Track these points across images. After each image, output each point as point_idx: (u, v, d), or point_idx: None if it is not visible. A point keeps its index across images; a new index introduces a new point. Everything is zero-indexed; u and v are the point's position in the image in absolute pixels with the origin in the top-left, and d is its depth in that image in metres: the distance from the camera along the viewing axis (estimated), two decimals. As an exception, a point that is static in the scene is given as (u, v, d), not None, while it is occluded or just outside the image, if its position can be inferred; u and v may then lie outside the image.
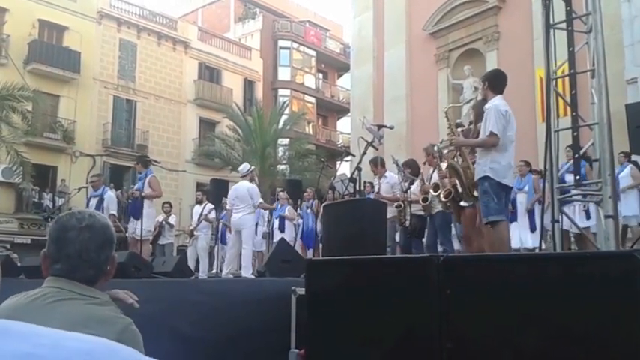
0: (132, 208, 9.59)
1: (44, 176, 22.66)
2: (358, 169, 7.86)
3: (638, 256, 2.26)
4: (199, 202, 12.14)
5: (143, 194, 9.07)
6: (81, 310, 1.56)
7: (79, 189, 11.92)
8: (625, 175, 9.02)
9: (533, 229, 9.28)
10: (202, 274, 10.38)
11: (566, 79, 5.83)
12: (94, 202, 9.57)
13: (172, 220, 12.28)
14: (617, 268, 2.38)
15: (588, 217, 8.18)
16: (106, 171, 23.41)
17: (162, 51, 27.41)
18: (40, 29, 23.62)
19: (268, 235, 12.00)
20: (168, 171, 20.59)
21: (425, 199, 7.87)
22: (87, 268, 1.64)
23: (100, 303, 1.63)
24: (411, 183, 8.53)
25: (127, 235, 9.70)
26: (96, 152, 24.17)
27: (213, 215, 11.54)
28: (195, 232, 11.36)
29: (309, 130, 32.23)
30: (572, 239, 8.57)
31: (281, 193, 12.58)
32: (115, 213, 9.56)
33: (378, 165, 9.20)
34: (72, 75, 23.69)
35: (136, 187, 9.63)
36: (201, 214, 11.51)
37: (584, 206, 8.24)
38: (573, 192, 6.26)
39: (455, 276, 2.77)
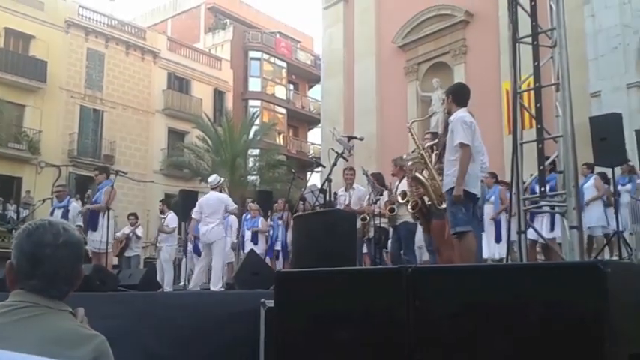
0: (89, 220, 9.17)
1: (8, 187, 22.25)
2: (329, 180, 7.87)
3: (601, 267, 2.31)
4: (162, 213, 12.00)
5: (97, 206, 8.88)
6: (57, 327, 1.52)
7: (44, 200, 11.64)
8: (589, 186, 9.19)
9: (498, 239, 9.38)
10: (167, 287, 10.04)
11: (532, 92, 5.93)
12: (58, 212, 9.32)
13: (139, 231, 12.09)
14: (582, 278, 2.42)
15: (553, 228, 8.25)
16: (72, 182, 22.92)
17: (131, 60, 27.09)
18: (6, 38, 23.18)
19: (237, 247, 11.87)
20: (135, 182, 20.30)
21: (392, 210, 7.91)
22: (63, 284, 1.61)
23: (71, 318, 1.59)
24: (380, 194, 8.57)
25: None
26: (62, 163, 23.68)
27: (173, 225, 11.37)
28: (157, 244, 11.16)
29: (279, 140, 32.18)
30: (539, 249, 8.69)
31: (251, 204, 12.46)
32: (81, 224, 9.34)
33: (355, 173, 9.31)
34: (38, 84, 23.27)
35: (94, 198, 9.31)
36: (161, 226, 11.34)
37: (549, 217, 8.35)
38: (541, 203, 6.35)
39: (423, 287, 2.78)
